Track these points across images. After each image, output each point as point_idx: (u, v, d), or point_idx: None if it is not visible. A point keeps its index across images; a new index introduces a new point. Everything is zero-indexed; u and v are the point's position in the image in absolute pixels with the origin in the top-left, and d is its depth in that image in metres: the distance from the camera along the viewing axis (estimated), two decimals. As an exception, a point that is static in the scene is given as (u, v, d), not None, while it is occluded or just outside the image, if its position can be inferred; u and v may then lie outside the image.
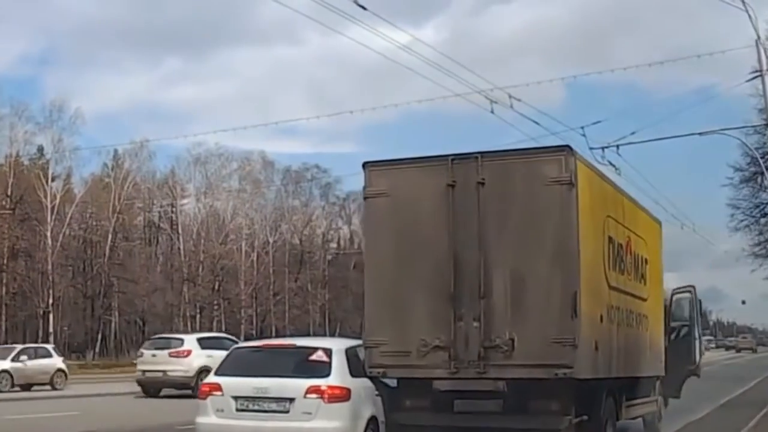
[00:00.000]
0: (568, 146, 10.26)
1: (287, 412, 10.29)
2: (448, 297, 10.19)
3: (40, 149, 62.12)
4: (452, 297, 10.17)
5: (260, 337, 58.86)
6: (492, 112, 20.26)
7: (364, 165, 10.78)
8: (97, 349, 61.82)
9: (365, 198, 10.77)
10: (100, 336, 63.43)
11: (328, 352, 10.74)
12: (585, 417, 10.35)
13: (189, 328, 66.36)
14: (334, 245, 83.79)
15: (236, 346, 11.90)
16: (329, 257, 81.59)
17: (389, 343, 10.40)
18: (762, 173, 29.98)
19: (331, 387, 10.34)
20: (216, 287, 69.27)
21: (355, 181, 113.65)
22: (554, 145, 10.80)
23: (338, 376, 10.51)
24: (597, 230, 10.89)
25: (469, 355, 10.09)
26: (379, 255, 10.66)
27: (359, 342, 10.99)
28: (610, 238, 11.42)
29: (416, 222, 10.48)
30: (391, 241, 10.56)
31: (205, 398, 10.77)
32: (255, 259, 72.20)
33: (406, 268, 10.44)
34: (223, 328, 69.33)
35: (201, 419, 10.77)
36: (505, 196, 10.19)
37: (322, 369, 10.53)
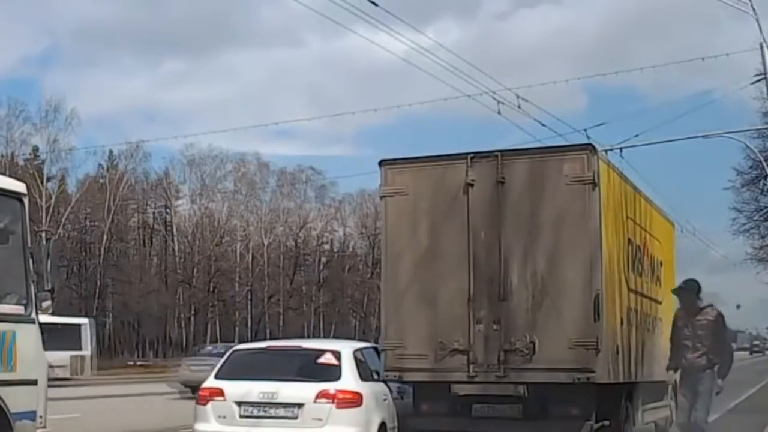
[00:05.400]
0: (590, 144, 10.06)
1: (296, 418, 9.75)
2: (467, 299, 9.93)
3: (35, 149, 61.76)
4: (471, 299, 9.92)
5: (255, 339, 58.49)
6: (499, 113, 20.16)
7: (381, 163, 10.49)
8: (90, 351, 61.39)
9: (382, 197, 10.50)
10: (94, 337, 62.99)
11: (337, 354, 10.26)
12: (606, 422, 10.12)
13: (184, 330, 66.15)
14: (329, 247, 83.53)
15: (236, 347, 11.32)
16: (324, 259, 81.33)
17: (406, 346, 10.12)
18: (765, 176, 29.85)
19: (342, 391, 9.85)
20: (211, 289, 69.10)
21: (350, 184, 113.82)
22: (576, 143, 10.60)
23: (349, 379, 10.04)
24: (618, 231, 10.66)
25: (489, 359, 9.84)
26: (396, 255, 10.37)
27: (366, 344, 10.67)
28: (629, 240, 11.21)
29: (434, 221, 10.21)
30: (408, 241, 10.28)
31: (205, 404, 10.10)
32: (250, 260, 72.02)
33: (423, 268, 10.16)
34: (218, 330, 69.31)
35: (201, 426, 10.13)
36: (525, 195, 9.95)
37: (332, 372, 10.05)
